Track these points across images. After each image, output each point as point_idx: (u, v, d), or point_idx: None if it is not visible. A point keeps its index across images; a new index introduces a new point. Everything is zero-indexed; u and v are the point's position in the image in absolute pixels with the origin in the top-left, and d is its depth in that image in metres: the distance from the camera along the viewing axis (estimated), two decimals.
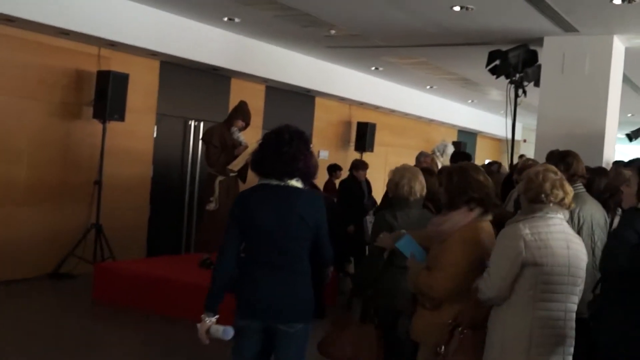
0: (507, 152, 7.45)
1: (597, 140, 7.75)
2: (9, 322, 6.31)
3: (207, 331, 3.24)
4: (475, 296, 3.18)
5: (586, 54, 7.80)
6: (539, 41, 7.93)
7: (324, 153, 12.48)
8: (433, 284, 3.28)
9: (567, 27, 7.53)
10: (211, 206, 7.36)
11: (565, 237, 3.14)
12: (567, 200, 3.18)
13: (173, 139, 9.75)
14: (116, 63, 8.52)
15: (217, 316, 3.26)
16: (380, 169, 13.01)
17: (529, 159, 5.86)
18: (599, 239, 4.39)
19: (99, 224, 8.20)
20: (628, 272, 3.27)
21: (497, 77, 7.50)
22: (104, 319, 6.66)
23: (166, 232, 9.62)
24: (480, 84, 12.50)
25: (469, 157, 7.69)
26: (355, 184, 8.82)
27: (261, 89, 11.10)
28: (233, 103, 8.77)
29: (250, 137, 7.95)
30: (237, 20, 8.61)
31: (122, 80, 8.18)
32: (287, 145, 3.28)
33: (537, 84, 7.89)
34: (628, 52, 8.25)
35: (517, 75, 7.33)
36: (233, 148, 7.35)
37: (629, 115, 14.15)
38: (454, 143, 13.51)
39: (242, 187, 7.26)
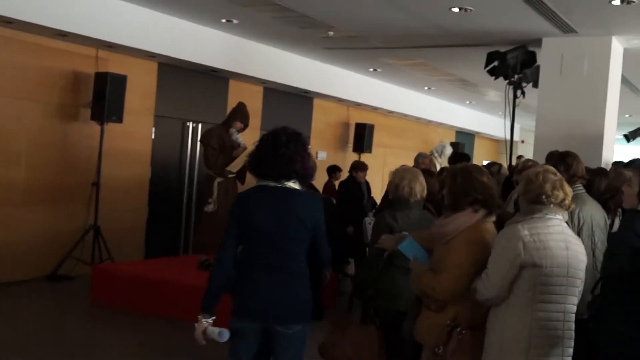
0: (506, 153, 7.45)
1: (596, 141, 7.76)
2: (7, 323, 6.29)
3: (204, 332, 3.23)
4: (474, 297, 3.18)
5: (585, 55, 7.80)
6: (538, 42, 7.93)
7: (322, 154, 12.48)
8: (438, 285, 3.27)
9: (566, 28, 7.53)
10: (210, 207, 7.36)
11: (565, 238, 3.14)
12: (567, 201, 3.18)
13: (171, 140, 9.74)
14: (114, 64, 8.51)
15: (213, 317, 3.26)
16: (379, 170, 13.02)
17: (528, 160, 5.86)
18: (599, 239, 4.39)
19: (97, 225, 8.18)
20: (629, 274, 3.27)
21: (495, 78, 7.50)
22: (102, 321, 6.64)
23: (164, 234, 9.61)
24: (478, 85, 12.50)
25: (468, 158, 7.69)
26: (354, 185, 8.81)
27: (259, 90, 11.09)
28: (231, 104, 8.76)
29: (249, 138, 7.92)
30: (235, 21, 8.61)
31: (120, 81, 8.16)
32: (284, 147, 3.29)
33: (535, 85, 7.89)
34: (626, 53, 8.26)
35: (516, 77, 7.32)
36: (231, 149, 7.35)
37: (627, 116, 14.16)
38: (452, 144, 13.53)
39: (241, 188, 7.26)
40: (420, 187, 4.21)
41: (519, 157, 14.53)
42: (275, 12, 7.85)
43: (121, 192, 8.82)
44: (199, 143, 9.39)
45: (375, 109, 13.68)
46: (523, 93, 7.39)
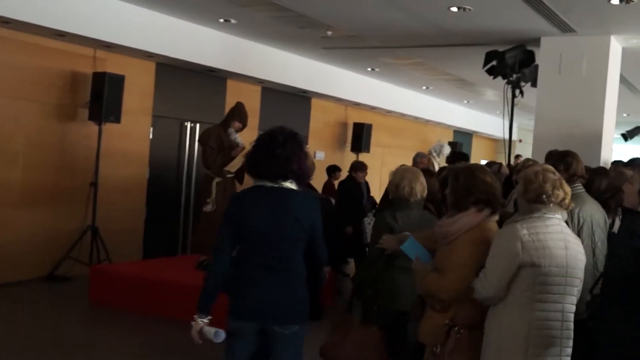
0: (505, 152, 7.45)
1: (595, 141, 7.75)
2: (5, 325, 6.27)
3: (200, 332, 3.23)
4: (472, 296, 3.17)
5: (583, 55, 7.80)
6: (536, 41, 7.93)
7: (320, 154, 12.48)
8: (443, 286, 3.27)
9: (565, 28, 7.53)
10: (208, 208, 7.34)
11: (564, 238, 3.13)
12: (567, 201, 3.18)
13: (169, 140, 9.72)
14: (112, 64, 8.49)
15: (210, 317, 3.26)
16: (377, 169, 13.02)
17: (528, 159, 5.85)
18: (599, 239, 4.39)
19: (95, 225, 8.17)
20: (630, 274, 3.26)
21: (494, 78, 7.50)
22: (100, 321, 6.62)
23: (162, 234, 9.59)
24: (476, 84, 12.50)
25: (466, 158, 7.68)
26: (354, 185, 8.81)
27: (257, 90, 11.08)
28: (229, 104, 8.75)
29: (247, 138, 7.91)
30: (233, 21, 8.59)
31: (117, 81, 8.14)
32: (281, 147, 3.28)
33: (534, 85, 7.89)
34: (625, 52, 8.26)
35: (514, 76, 7.32)
36: (230, 149, 7.34)
37: (625, 115, 14.18)
38: (450, 143, 13.54)
39: (239, 188, 7.24)
40: (420, 187, 4.20)
41: (517, 156, 14.58)
42: (274, 12, 7.83)
43: (119, 193, 8.80)
44: (197, 143, 9.37)
45: (373, 108, 13.68)
46: (522, 92, 7.39)
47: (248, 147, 3.52)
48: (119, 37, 8.04)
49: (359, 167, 8.90)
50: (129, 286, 7.05)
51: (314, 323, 3.97)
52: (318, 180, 9.46)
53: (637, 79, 10.69)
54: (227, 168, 7.37)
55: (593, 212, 4.45)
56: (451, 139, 16.74)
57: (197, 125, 9.89)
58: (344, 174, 9.48)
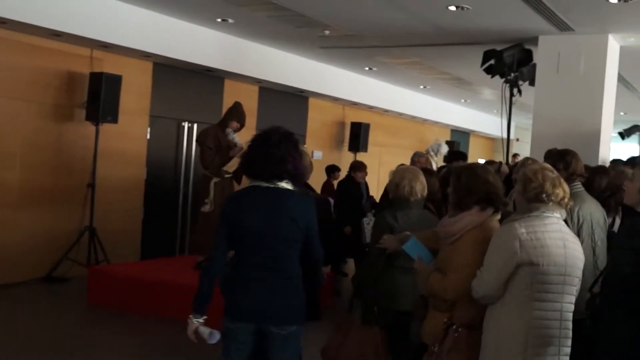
0: (503, 151, 7.44)
1: (593, 139, 7.75)
2: (4, 326, 6.25)
3: (195, 331, 3.25)
4: (470, 295, 3.17)
5: (581, 53, 7.80)
6: (534, 40, 7.93)
7: (317, 153, 12.46)
8: (446, 286, 3.26)
9: (563, 26, 7.53)
10: (206, 208, 7.33)
11: (562, 237, 3.13)
12: (567, 200, 3.18)
13: (167, 140, 9.70)
14: (109, 64, 8.47)
15: (205, 317, 3.27)
16: (374, 169, 13.00)
17: (528, 158, 5.84)
18: (599, 238, 4.38)
19: (93, 226, 8.15)
20: (631, 275, 3.24)
21: (492, 77, 7.49)
22: (99, 322, 6.61)
23: (160, 234, 9.57)
24: (474, 83, 12.51)
25: (465, 157, 7.68)
26: (353, 185, 8.79)
27: (254, 89, 11.07)
28: (226, 104, 8.73)
29: (245, 138, 7.88)
30: (230, 21, 8.57)
31: (115, 81, 8.13)
32: (276, 147, 3.27)
33: (532, 83, 7.89)
34: (622, 50, 8.27)
35: (512, 75, 7.31)
36: (228, 149, 7.32)
37: (622, 113, 14.20)
38: (447, 142, 13.54)
39: (237, 188, 7.21)
40: (420, 187, 4.20)
41: (515, 155, 14.60)
42: (271, 11, 7.82)
43: (117, 193, 8.78)
44: (194, 143, 9.36)
45: (370, 108, 13.68)
46: (519, 91, 7.38)
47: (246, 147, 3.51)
48: (116, 37, 8.02)
49: (358, 167, 8.88)
50: (127, 287, 7.03)
51: (313, 323, 3.96)
52: (317, 180, 9.45)
53: (634, 77, 10.71)
54: (225, 168, 7.37)
55: (592, 211, 4.45)
56: (449, 138, 16.75)
57: (195, 125, 9.87)
58: (343, 174, 9.47)
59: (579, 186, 4.53)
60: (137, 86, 8.96)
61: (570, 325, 3.14)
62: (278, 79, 10.67)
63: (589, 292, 3.84)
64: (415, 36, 8.59)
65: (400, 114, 14.75)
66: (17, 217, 7.72)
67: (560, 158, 4.60)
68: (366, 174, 8.96)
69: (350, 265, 9.26)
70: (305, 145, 10.01)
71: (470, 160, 10.19)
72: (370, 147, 13.15)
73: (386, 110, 14.11)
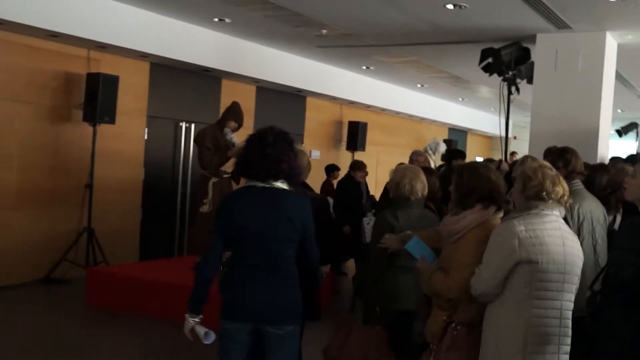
0: (501, 149, 7.44)
1: (592, 137, 7.76)
2: (3, 328, 6.24)
3: (192, 330, 3.26)
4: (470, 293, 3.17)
5: (579, 51, 7.80)
6: (532, 38, 7.93)
7: (315, 153, 12.46)
8: (450, 285, 3.25)
9: (560, 24, 7.53)
10: (205, 208, 7.33)
11: (561, 235, 3.12)
12: (566, 197, 3.17)
13: (164, 141, 9.68)
14: (106, 65, 8.46)
15: (200, 316, 3.28)
16: (372, 168, 12.98)
17: (528, 156, 5.83)
18: (600, 235, 4.38)
19: (91, 227, 8.13)
20: (632, 278, 3.23)
21: (490, 75, 7.49)
22: (98, 324, 6.59)
23: (159, 235, 9.55)
24: (471, 81, 12.51)
25: (463, 155, 7.67)
26: (353, 184, 8.77)
27: (252, 89, 11.06)
28: (224, 104, 8.72)
29: (243, 138, 7.86)
30: (227, 20, 8.56)
31: (112, 82, 8.11)
32: (271, 147, 3.27)
33: (530, 81, 7.89)
34: (620, 48, 8.27)
35: (510, 73, 7.31)
36: (226, 149, 7.32)
37: (619, 110, 14.22)
38: (445, 141, 13.51)
39: (236, 188, 7.21)
40: (421, 185, 4.19)
41: (513, 153, 14.60)
42: (268, 11, 7.81)
43: (114, 194, 8.77)
44: (192, 143, 9.34)
45: (368, 107, 13.67)
46: (517, 89, 7.38)
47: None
48: (112, 37, 8.00)
49: (358, 167, 8.85)
50: (126, 288, 7.02)
51: (313, 323, 3.96)
52: (316, 180, 9.45)
53: (631, 74, 10.72)
54: (223, 168, 7.36)
55: (593, 209, 4.44)
56: (446, 137, 16.73)
57: (192, 126, 9.85)
58: (342, 173, 9.46)
59: (578, 184, 4.53)
60: (134, 86, 8.95)
61: (569, 323, 3.13)
62: (275, 79, 10.66)
63: (590, 289, 3.84)
64: (412, 35, 8.59)
65: (398, 113, 14.76)
66: (14, 218, 7.70)
67: (560, 156, 4.59)
68: (366, 173, 8.94)
69: (350, 265, 9.25)
70: (303, 145, 9.99)
71: (468, 158, 10.19)
72: (367, 146, 13.15)
73: (384, 109, 14.11)
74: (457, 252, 3.28)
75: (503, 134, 7.33)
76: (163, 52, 8.69)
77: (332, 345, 3.85)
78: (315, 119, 12.73)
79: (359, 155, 12.23)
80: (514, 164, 6.18)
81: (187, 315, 3.28)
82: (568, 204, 3.24)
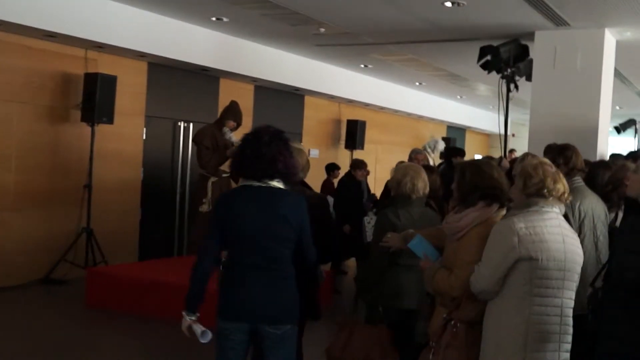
0: (500, 147, 7.43)
1: (591, 134, 7.76)
2: (2, 329, 6.22)
3: (189, 328, 3.27)
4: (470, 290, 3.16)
5: (578, 48, 7.80)
6: (530, 36, 7.92)
7: (314, 152, 12.45)
8: (453, 283, 3.24)
9: (559, 21, 7.52)
10: (204, 208, 7.33)
11: (561, 232, 3.12)
12: (566, 194, 3.17)
13: (163, 140, 9.67)
14: (104, 65, 8.44)
15: (197, 314, 3.29)
16: (371, 166, 12.94)
17: (528, 154, 5.83)
18: (601, 232, 4.37)
19: (90, 228, 8.11)
20: (632, 278, 3.22)
21: (488, 73, 7.47)
22: (98, 324, 6.59)
23: (158, 235, 9.54)
24: (469, 79, 12.51)
25: (463, 153, 7.67)
26: (353, 183, 8.75)
27: (250, 88, 11.05)
28: (222, 103, 8.71)
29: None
30: (225, 19, 8.54)
31: (110, 82, 8.09)
32: (266, 146, 3.26)
33: (528, 79, 7.87)
34: (618, 45, 8.27)
35: (509, 70, 7.29)
36: (225, 149, 7.31)
37: (618, 107, 14.22)
38: (443, 139, 13.53)
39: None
40: (422, 184, 4.17)
41: (511, 150, 14.60)
42: (266, 10, 7.79)
43: (113, 194, 8.75)
44: (191, 143, 9.33)
45: (366, 105, 13.68)
46: (516, 87, 7.37)
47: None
48: (110, 37, 7.99)
49: (358, 165, 8.80)
50: (125, 288, 7.00)
51: (313, 323, 3.95)
52: (316, 179, 9.43)
53: (630, 71, 10.73)
54: (222, 167, 7.34)
55: (594, 206, 4.43)
56: (445, 135, 16.75)
57: (191, 125, 9.84)
58: (343, 172, 9.44)
59: (579, 181, 4.52)
60: (132, 86, 8.93)
61: (570, 320, 3.13)
62: (273, 78, 10.66)
63: (591, 286, 3.83)
64: (410, 33, 8.58)
65: (396, 111, 14.76)
66: (13, 219, 7.68)
67: (560, 153, 4.58)
68: (368, 172, 8.90)
69: (350, 263, 9.23)
70: (302, 144, 9.99)
71: (466, 156, 10.19)
72: (366, 145, 13.15)
73: (382, 108, 14.11)
74: (460, 250, 3.26)
75: (502, 131, 7.32)
76: (161, 51, 8.68)
77: (335, 345, 3.84)
78: (313, 117, 12.73)
79: (357, 154, 12.23)
80: (513, 162, 6.18)
81: (184, 312, 3.29)
82: (569, 201, 3.24)
